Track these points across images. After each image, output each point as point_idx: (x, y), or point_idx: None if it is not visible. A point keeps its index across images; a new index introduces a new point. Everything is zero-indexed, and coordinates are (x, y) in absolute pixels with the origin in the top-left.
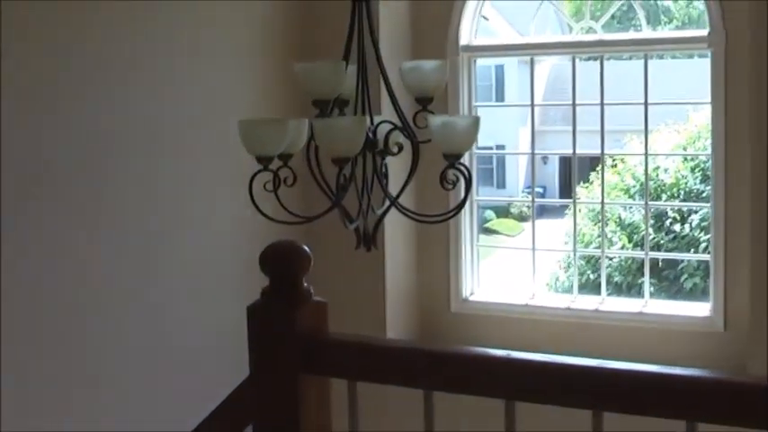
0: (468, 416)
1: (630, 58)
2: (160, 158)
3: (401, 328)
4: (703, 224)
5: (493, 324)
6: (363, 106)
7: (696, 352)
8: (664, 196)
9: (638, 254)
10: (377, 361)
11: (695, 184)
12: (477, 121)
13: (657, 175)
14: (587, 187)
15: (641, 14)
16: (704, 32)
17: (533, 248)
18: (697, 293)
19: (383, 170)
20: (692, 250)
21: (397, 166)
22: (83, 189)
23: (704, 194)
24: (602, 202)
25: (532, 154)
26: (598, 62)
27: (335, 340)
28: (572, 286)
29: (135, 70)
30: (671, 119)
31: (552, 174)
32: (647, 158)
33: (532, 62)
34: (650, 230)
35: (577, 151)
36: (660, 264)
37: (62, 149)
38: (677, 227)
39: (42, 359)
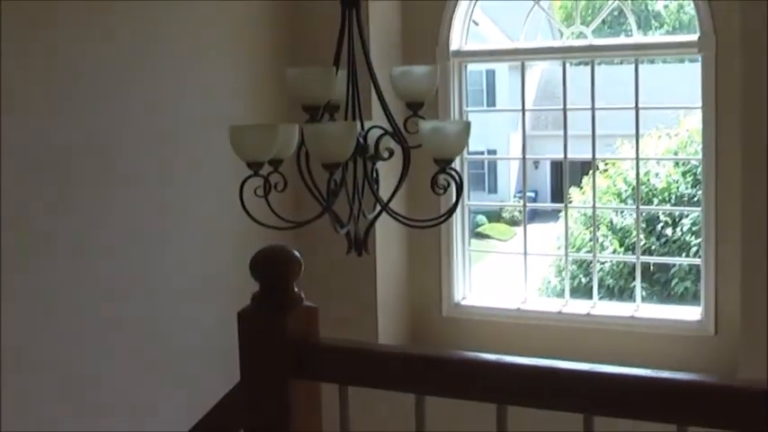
0: (459, 420)
1: (621, 63)
2: (150, 164)
3: (392, 333)
4: (694, 228)
5: (485, 328)
6: (354, 111)
7: (687, 356)
8: (655, 200)
9: (630, 258)
10: (368, 366)
11: (686, 188)
12: (467, 126)
13: (649, 180)
14: (581, 189)
15: (632, 19)
16: (695, 37)
17: (525, 253)
18: (688, 297)
19: (374, 175)
20: (684, 254)
21: (387, 171)
22: (76, 193)
23: (695, 199)
24: (594, 207)
25: (524, 159)
26: (589, 67)
27: (326, 345)
28: (564, 290)
29: (127, 76)
30: (662, 123)
31: (544, 178)
32: (638, 163)
33: (523, 67)
34: (641, 235)
35: (569, 156)
36: (651, 268)
37: (56, 152)
38: (668, 231)
39: (41, 360)
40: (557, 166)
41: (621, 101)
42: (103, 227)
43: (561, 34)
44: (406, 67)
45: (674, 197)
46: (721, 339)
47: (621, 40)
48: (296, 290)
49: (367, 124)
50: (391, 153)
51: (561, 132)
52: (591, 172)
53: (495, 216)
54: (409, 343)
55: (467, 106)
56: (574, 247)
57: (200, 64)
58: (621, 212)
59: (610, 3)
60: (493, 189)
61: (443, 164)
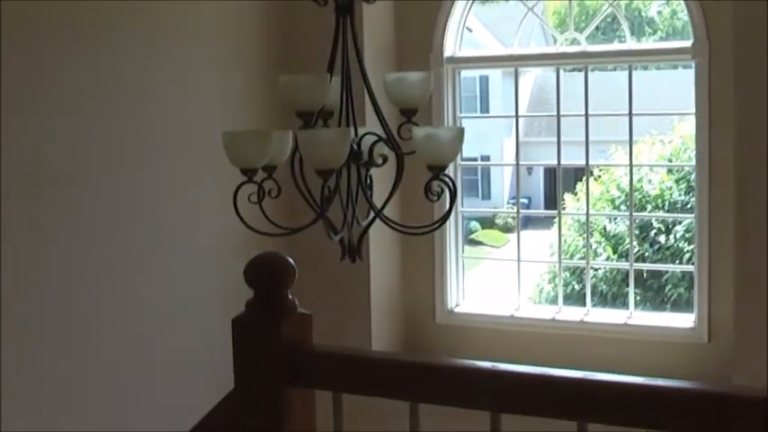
0: (453, 427)
1: (615, 69)
2: (146, 170)
3: (386, 340)
4: (687, 235)
5: (478, 335)
6: (348, 118)
7: (680, 363)
8: (648, 207)
9: (623, 265)
10: (362, 373)
11: (680, 195)
12: (461, 132)
13: (642, 187)
14: (575, 195)
15: (625, 25)
16: (688, 43)
17: (518, 260)
18: (681, 303)
19: (368, 182)
20: (677, 261)
21: (381, 178)
22: (70, 199)
23: (689, 205)
24: (587, 213)
25: (517, 165)
26: (582, 73)
27: (320, 352)
28: (557, 297)
29: (121, 84)
30: (656, 129)
31: (537, 185)
32: (631, 169)
33: (517, 73)
34: (635, 241)
35: (562, 162)
36: (644, 275)
37: (49, 162)
38: (662, 238)
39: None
40: (550, 173)
41: (615, 107)
42: (97, 235)
43: (555, 40)
44: (400, 73)
45: (667, 204)
46: (714, 346)
47: (615, 46)
48: (290, 296)
49: (361, 131)
50: (385, 159)
51: (555, 138)
52: (584, 178)
53: (488, 222)
54: (402, 350)
55: (460, 112)
56: (567, 253)
57: (194, 71)
58: (615, 219)
59: (603, 9)
60: (486, 195)
61: (437, 170)
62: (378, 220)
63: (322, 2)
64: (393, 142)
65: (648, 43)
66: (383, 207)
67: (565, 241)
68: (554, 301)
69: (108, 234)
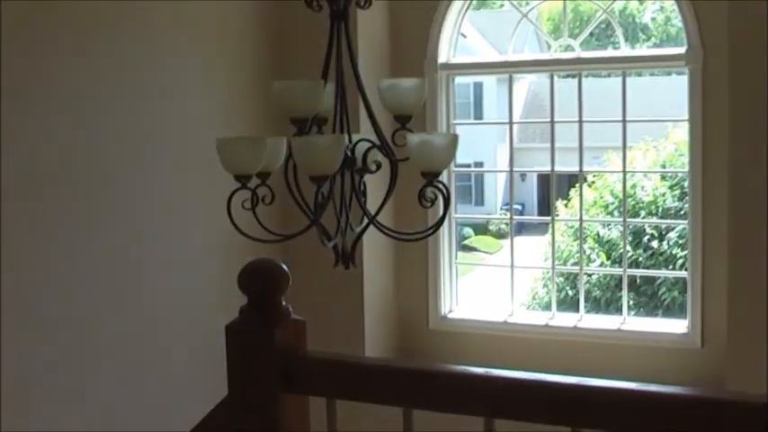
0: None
1: (609, 76)
2: (136, 176)
3: (380, 346)
4: (681, 241)
5: (472, 341)
6: (342, 124)
7: (674, 368)
8: (642, 213)
9: (617, 271)
10: (355, 379)
11: (673, 201)
12: (455, 139)
13: (635, 193)
14: (567, 204)
15: (619, 32)
16: (682, 50)
17: (512, 266)
18: (675, 307)
19: (361, 188)
20: (670, 267)
21: (375, 184)
22: (70, 199)
23: (682, 212)
24: (581, 219)
25: (511, 171)
26: (576, 79)
27: (314, 358)
28: (551, 303)
29: (120, 90)
30: (650, 136)
31: (531, 191)
32: (624, 176)
33: (511, 80)
34: (628, 247)
35: (556, 168)
36: (638, 280)
37: (49, 163)
38: (655, 243)
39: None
40: (544, 179)
41: (609, 113)
42: (91, 239)
43: (549, 47)
44: (394, 79)
45: (660, 210)
46: (708, 352)
47: (609, 52)
48: (283, 303)
49: (355, 137)
50: (379, 166)
51: (548, 145)
52: (578, 184)
53: (481, 229)
54: (396, 356)
55: (454, 119)
56: (561, 259)
57: (187, 78)
58: (608, 225)
59: (598, 15)
60: (480, 201)
61: (431, 177)
62: (371, 227)
63: (317, 8)
64: (387, 149)
65: (642, 50)
66: (377, 213)
67: (558, 247)
68: (548, 306)
69: (107, 235)
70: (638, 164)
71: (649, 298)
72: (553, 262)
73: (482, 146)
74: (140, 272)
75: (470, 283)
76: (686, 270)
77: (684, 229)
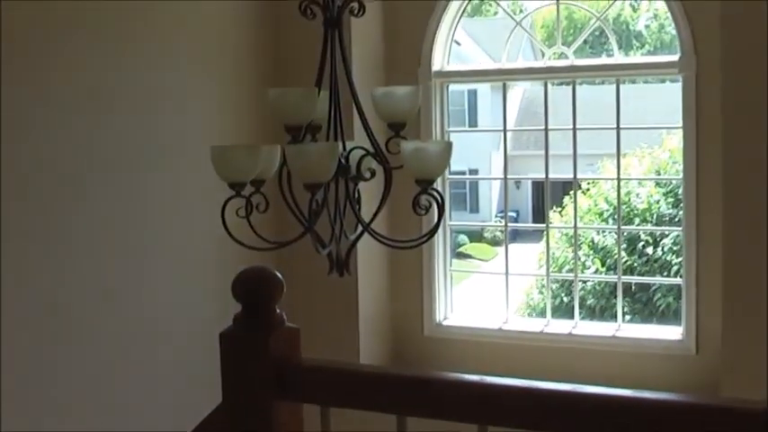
0: None
1: (603, 83)
2: (131, 183)
3: (374, 353)
4: (675, 247)
5: (466, 348)
6: (336, 132)
7: (668, 375)
8: (636, 220)
9: (611, 278)
10: (350, 387)
11: (668, 208)
12: (449, 146)
13: (630, 200)
14: (563, 209)
15: (613, 39)
16: (675, 57)
17: (506, 273)
18: (670, 313)
19: (356, 196)
20: (665, 273)
21: (369, 192)
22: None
23: (676, 219)
24: (575, 227)
25: (505, 178)
26: (570, 87)
27: (308, 366)
28: (545, 310)
29: (118, 100)
30: (645, 143)
31: (525, 198)
32: (619, 183)
33: (505, 87)
34: (623, 254)
35: (550, 176)
36: (633, 287)
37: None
38: (650, 250)
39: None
40: (538, 186)
41: (604, 120)
42: (89, 245)
43: (543, 54)
44: (388, 87)
45: (655, 216)
46: (702, 358)
47: (603, 60)
48: (278, 311)
49: (349, 145)
50: (373, 174)
51: (543, 152)
52: (572, 192)
53: (476, 236)
54: (391, 363)
55: (448, 126)
56: (556, 265)
57: (182, 85)
58: (603, 232)
59: (591, 23)
60: (474, 209)
61: (425, 184)
62: (366, 234)
63: (311, 15)
64: (381, 156)
65: (636, 57)
66: (371, 221)
67: (553, 254)
68: (542, 313)
69: (104, 241)
70: (633, 171)
71: (644, 305)
72: (548, 269)
73: (476, 153)
74: (136, 279)
75: (465, 291)
76: (681, 277)
77: (679, 235)
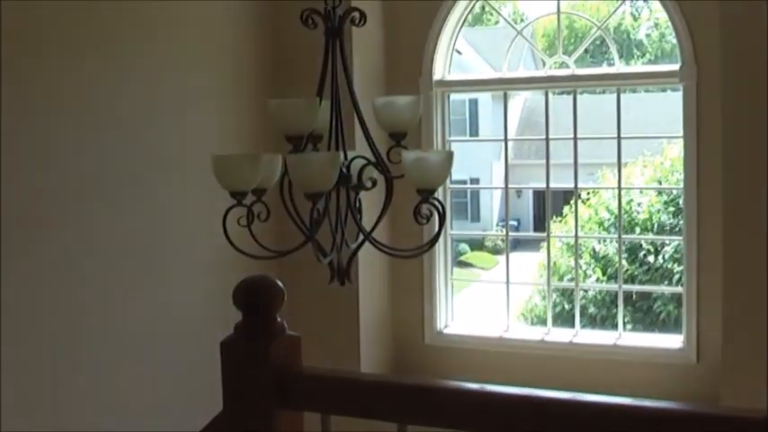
0: None
1: (603, 92)
2: (133, 192)
3: (375, 362)
4: (676, 256)
5: (467, 357)
6: (337, 141)
7: (669, 384)
8: (637, 229)
9: (612, 287)
10: (351, 395)
11: (669, 218)
12: (450, 156)
13: (631, 209)
14: (563, 218)
15: (614, 49)
16: (676, 67)
17: (507, 282)
18: (671, 323)
19: (357, 205)
20: (666, 282)
21: (370, 201)
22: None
23: (677, 228)
24: (576, 236)
25: (506, 188)
26: (571, 96)
27: (309, 374)
28: (546, 318)
29: (119, 109)
30: (647, 151)
31: (526, 207)
32: (620, 192)
33: (506, 97)
34: (624, 263)
35: (551, 185)
36: (634, 296)
37: (45, 181)
38: (651, 258)
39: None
40: (539, 195)
41: (605, 129)
42: (90, 252)
43: (544, 63)
44: (389, 97)
45: (656, 225)
46: (703, 367)
47: (603, 69)
48: (278, 319)
49: (350, 154)
50: (374, 183)
51: (544, 161)
52: (573, 201)
53: (477, 245)
54: (392, 371)
55: (449, 135)
56: (557, 274)
57: (186, 96)
58: (604, 241)
59: (592, 32)
60: (475, 218)
61: (426, 194)
62: (367, 243)
63: (312, 25)
64: (382, 166)
65: (637, 66)
66: (372, 230)
67: (554, 263)
68: (543, 322)
69: (105, 248)
70: (635, 180)
71: (645, 313)
72: (548, 278)
73: (477, 162)
74: (138, 287)
75: (466, 299)
76: (682, 286)
77: (680, 244)
